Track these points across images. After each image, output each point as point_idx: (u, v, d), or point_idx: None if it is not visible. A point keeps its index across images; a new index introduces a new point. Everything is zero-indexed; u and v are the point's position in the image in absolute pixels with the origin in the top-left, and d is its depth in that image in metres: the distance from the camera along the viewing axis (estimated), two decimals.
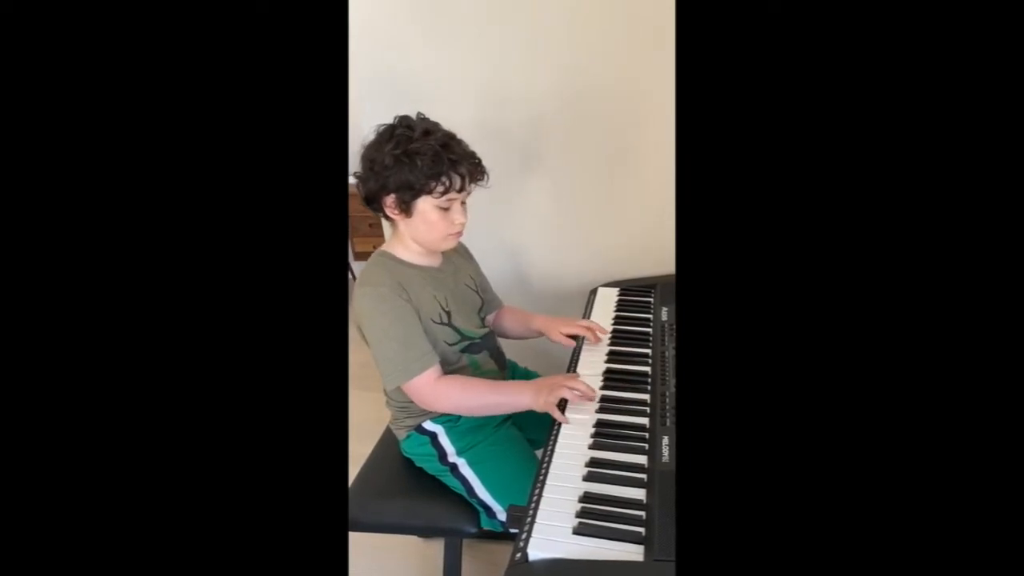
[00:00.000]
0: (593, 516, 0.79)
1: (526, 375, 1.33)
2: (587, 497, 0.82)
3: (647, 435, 0.94)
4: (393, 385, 1.06)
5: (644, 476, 0.85)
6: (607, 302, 1.41)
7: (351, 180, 0.94)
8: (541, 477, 0.87)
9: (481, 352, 1.17)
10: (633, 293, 1.44)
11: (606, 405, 1.02)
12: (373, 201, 1.07)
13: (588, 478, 0.86)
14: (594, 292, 1.48)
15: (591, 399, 1.02)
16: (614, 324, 1.30)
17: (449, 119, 1.09)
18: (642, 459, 0.89)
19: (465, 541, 1.26)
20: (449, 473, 1.12)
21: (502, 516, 1.09)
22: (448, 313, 1.11)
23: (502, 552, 1.50)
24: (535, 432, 1.26)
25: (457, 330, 1.12)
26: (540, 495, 0.84)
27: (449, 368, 1.11)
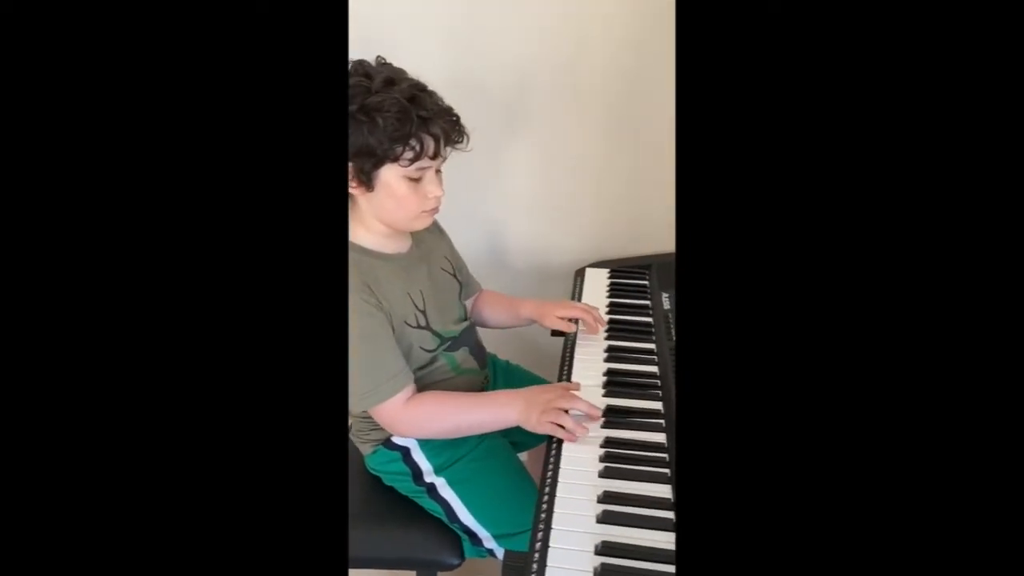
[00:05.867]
0: (618, 575, 0.63)
1: (507, 369, 1.17)
2: (607, 548, 0.67)
3: (667, 456, 0.79)
4: (359, 410, 0.87)
5: (672, 515, 0.70)
6: (597, 285, 1.25)
7: None
8: (543, 515, 0.72)
9: (460, 349, 1.00)
10: (626, 275, 1.29)
11: (613, 419, 0.86)
12: None
13: (604, 519, 0.70)
14: (581, 273, 1.31)
15: (595, 420, 0.86)
16: (609, 313, 1.14)
17: (415, 70, 0.87)
18: (666, 490, 0.74)
19: None
20: (425, 494, 0.95)
21: (489, 543, 0.93)
22: (424, 313, 0.93)
23: (486, 564, 1.36)
24: (518, 434, 1.10)
25: (436, 333, 0.94)
26: (545, 544, 0.68)
27: (423, 371, 0.93)
